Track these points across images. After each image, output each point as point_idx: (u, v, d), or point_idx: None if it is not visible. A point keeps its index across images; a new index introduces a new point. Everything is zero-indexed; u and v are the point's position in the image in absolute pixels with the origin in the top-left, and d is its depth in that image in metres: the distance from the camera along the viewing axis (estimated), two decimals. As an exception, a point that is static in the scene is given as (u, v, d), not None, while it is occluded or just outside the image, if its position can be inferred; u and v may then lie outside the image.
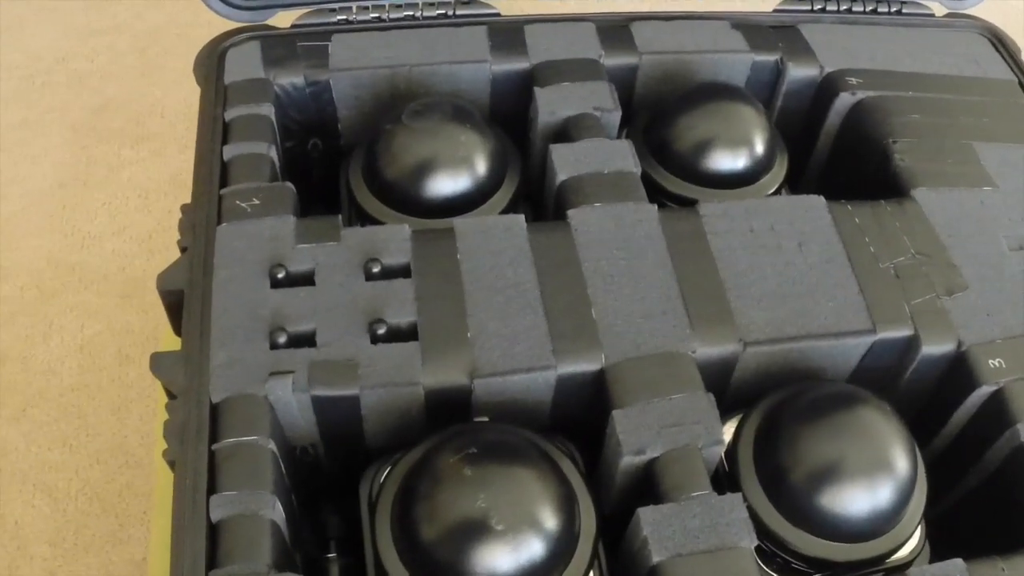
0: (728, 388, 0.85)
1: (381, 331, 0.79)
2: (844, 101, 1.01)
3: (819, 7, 1.07)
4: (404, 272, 0.83)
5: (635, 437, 0.76)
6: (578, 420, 0.83)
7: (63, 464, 1.37)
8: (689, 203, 0.93)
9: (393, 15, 1.02)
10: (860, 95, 1.01)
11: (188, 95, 1.64)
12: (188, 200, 0.89)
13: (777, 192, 0.97)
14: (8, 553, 1.30)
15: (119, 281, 1.52)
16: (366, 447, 0.83)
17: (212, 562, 0.70)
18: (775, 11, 1.07)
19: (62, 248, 1.55)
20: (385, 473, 0.78)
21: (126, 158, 1.64)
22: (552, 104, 0.95)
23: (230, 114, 0.94)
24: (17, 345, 1.45)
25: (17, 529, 1.32)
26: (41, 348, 1.45)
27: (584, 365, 0.80)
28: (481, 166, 0.91)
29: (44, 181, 1.63)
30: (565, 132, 0.94)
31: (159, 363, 0.79)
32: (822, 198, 0.90)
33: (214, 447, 0.75)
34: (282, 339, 0.79)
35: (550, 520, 0.71)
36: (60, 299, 1.50)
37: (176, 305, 0.84)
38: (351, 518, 0.84)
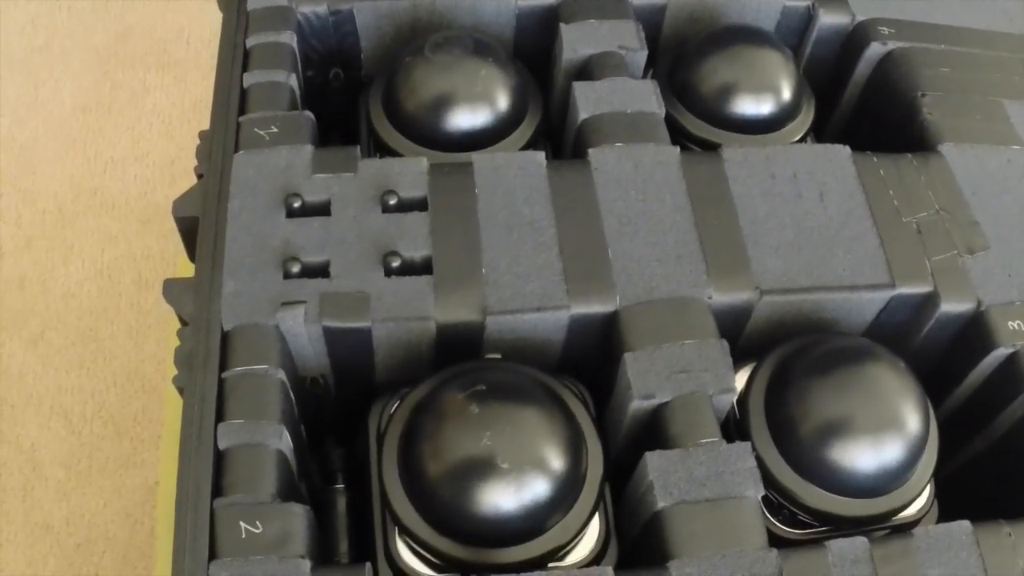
0: (740, 336, 0.83)
1: (395, 264, 0.78)
2: (874, 51, 0.98)
3: (853, -47, 1.04)
4: (420, 205, 0.81)
5: (645, 381, 0.75)
6: (589, 362, 0.82)
7: (79, 388, 1.36)
8: (712, 147, 0.91)
9: (419, -55, 0.99)
10: (890, 45, 0.98)
11: (213, 22, 1.61)
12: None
13: (802, 141, 0.95)
14: (23, 475, 1.31)
15: (140, 207, 1.50)
16: (375, 380, 0.81)
17: (218, 490, 0.69)
18: (808, -45, 1.04)
19: (84, 172, 1.54)
20: (394, 407, 0.77)
21: (150, 84, 1.62)
22: (576, 41, 0.92)
23: (251, 41, 0.92)
24: (37, 268, 1.44)
25: (33, 451, 1.32)
26: (61, 271, 1.44)
27: (597, 306, 0.78)
28: (502, 101, 0.89)
29: (65, 106, 1.61)
30: (588, 70, 0.92)
31: (171, 289, 0.78)
32: (847, 148, 0.88)
33: (223, 375, 0.74)
34: (295, 269, 0.77)
35: (556, 461, 0.70)
36: (81, 223, 1.49)
37: (191, 232, 0.82)
38: (358, 452, 0.83)
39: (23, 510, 1.29)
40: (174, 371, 0.79)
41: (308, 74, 0.96)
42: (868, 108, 1.01)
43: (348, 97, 1.01)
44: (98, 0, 1.68)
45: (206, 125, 1.56)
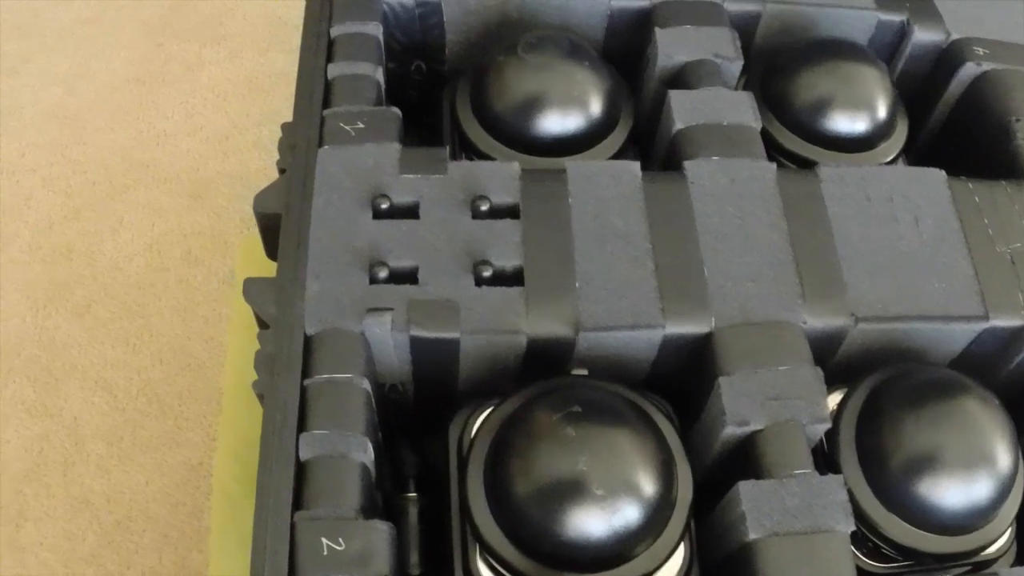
0: (829, 361, 0.79)
1: (486, 273, 0.74)
2: (968, 71, 0.94)
3: (948, -34, 0.99)
4: (512, 212, 0.77)
5: (739, 407, 0.71)
6: (674, 378, 0.78)
7: (124, 363, 1.32)
8: (804, 162, 0.87)
9: (510, -65, 0.95)
10: (985, 67, 0.93)
11: (268, -1, 1.58)
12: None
13: (895, 160, 0.91)
14: (64, 448, 1.27)
15: (191, 181, 1.45)
16: (456, 389, 0.78)
17: (298, 503, 0.66)
18: (902, -33, 0.99)
19: (135, 144, 1.49)
20: (480, 420, 0.73)
21: (205, 58, 1.57)
22: (672, 47, 0.88)
23: (336, 31, 0.87)
24: (85, 239, 1.40)
25: (75, 425, 1.28)
26: (109, 244, 1.40)
27: (692, 327, 0.75)
28: (596, 107, 0.84)
29: (117, 76, 1.56)
30: (682, 78, 0.87)
31: (251, 289, 0.74)
32: (942, 172, 0.84)
33: (306, 382, 0.70)
34: (382, 274, 0.73)
35: (650, 488, 0.67)
36: (131, 195, 1.44)
37: (271, 228, 0.78)
38: (434, 461, 0.80)
39: (63, 484, 1.25)
40: (231, 361, 0.76)
41: (389, 65, 0.91)
42: (958, 129, 0.97)
43: (428, 90, 0.96)
44: (153, -30, 1.63)
45: (261, 102, 1.53)
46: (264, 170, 1.45)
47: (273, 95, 1.51)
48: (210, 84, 1.55)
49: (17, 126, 1.50)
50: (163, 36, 1.61)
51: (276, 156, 0.82)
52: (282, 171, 0.80)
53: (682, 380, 0.78)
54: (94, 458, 1.27)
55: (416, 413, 0.81)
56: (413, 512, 0.79)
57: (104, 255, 1.39)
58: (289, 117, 0.83)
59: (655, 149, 0.89)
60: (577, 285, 0.74)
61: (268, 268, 0.79)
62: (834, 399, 0.78)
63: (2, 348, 1.31)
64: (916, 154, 0.98)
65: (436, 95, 0.95)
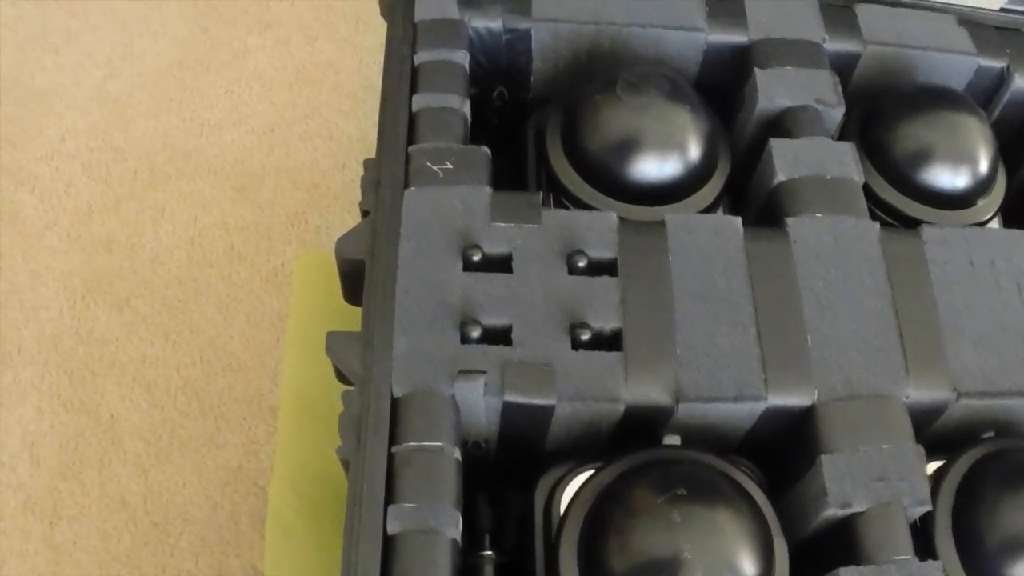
0: (924, 433, 0.74)
1: (584, 337, 0.69)
2: (1066, 121, 0.88)
3: (1046, 10, 0.93)
4: (609, 268, 0.72)
5: (842, 488, 0.67)
6: (767, 445, 0.73)
7: (163, 360, 1.27)
8: (903, 217, 0.82)
9: (601, -39, 0.88)
10: (1086, 118, 0.88)
11: (320, -23, 1.51)
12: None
13: (993, 216, 0.85)
14: (102, 446, 1.22)
15: (235, 174, 1.39)
16: (543, 450, 0.72)
17: (385, 578, 0.61)
18: (1002, 10, 0.93)
19: (178, 133, 1.42)
20: (570, 489, 0.68)
21: (251, 45, 1.49)
22: (772, 90, 0.82)
23: (420, 58, 0.81)
24: (125, 230, 1.34)
25: (112, 422, 1.23)
26: (150, 236, 1.34)
27: (795, 399, 0.70)
28: (697, 154, 0.79)
29: (162, 60, 1.49)
30: (782, 124, 0.82)
31: (335, 345, 0.68)
32: (1044, 233, 0.79)
33: (394, 449, 0.65)
34: (475, 332, 0.68)
35: (751, 571, 0.63)
36: (173, 186, 1.38)
37: (353, 274, 0.72)
38: (514, 522, 0.75)
39: (99, 482, 1.20)
40: (286, 388, 0.70)
41: (472, 91, 0.85)
42: (1054, 181, 0.92)
43: (510, 116, 0.90)
44: (201, -50, 1.55)
45: (308, 93, 1.46)
46: (310, 163, 1.39)
47: (321, 86, 1.44)
48: (256, 73, 1.48)
49: (59, 108, 1.43)
50: (209, 19, 1.54)
51: (323, 150, 0.76)
52: (365, 213, 0.74)
53: (776, 446, 0.73)
54: (131, 457, 1.22)
55: (498, 468, 0.75)
56: (489, 571, 0.74)
57: (145, 247, 1.33)
58: (338, 111, 0.78)
59: (751, 196, 0.83)
60: (678, 351, 0.69)
61: (327, 292, 0.74)
62: (928, 469, 0.73)
63: (39, 339, 1.26)
64: (1008, 204, 0.93)
65: (518, 121, 0.88)
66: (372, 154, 0.78)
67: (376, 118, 0.80)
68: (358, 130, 1.37)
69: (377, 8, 0.89)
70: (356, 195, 0.77)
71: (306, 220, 1.36)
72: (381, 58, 0.84)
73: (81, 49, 1.50)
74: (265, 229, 1.34)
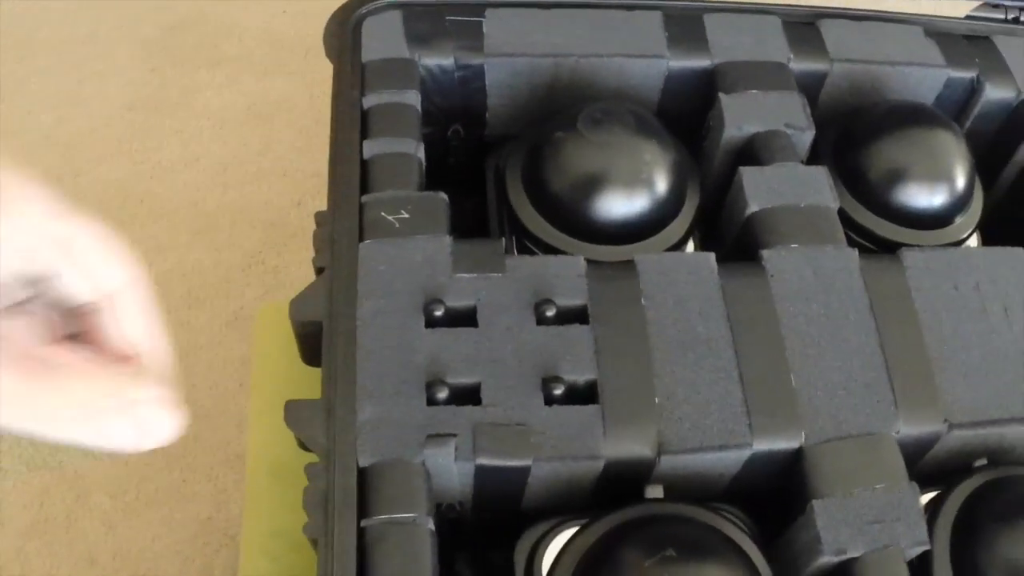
0: (916, 464, 0.70)
1: (557, 392, 0.64)
2: (1043, 130, 0.84)
3: (1012, 16, 0.89)
4: (580, 316, 0.67)
5: (837, 535, 0.62)
6: (754, 491, 0.69)
7: (126, 412, 1.21)
8: (882, 242, 0.78)
9: (555, -11, 0.84)
10: (1061, 124, 0.84)
11: (268, 16, 1.45)
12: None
13: (971, 234, 0.81)
14: (67, 503, 1.17)
15: (190, 216, 1.34)
16: (520, 509, 0.68)
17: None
18: (968, 18, 0.89)
19: (130, 176, 1.37)
20: (552, 549, 0.64)
21: (201, 82, 1.45)
22: (740, 116, 0.78)
23: (369, 101, 0.76)
24: (81, 279, 1.29)
25: (76, 478, 1.18)
26: (106, 284, 1.28)
27: (782, 443, 0.65)
28: (665, 188, 0.74)
29: (111, 103, 1.43)
30: (751, 150, 0.77)
31: (295, 415, 0.63)
32: (1024, 251, 0.75)
33: (364, 523, 0.60)
34: (442, 393, 0.63)
35: None
36: (127, 231, 1.31)
37: (310, 336, 0.67)
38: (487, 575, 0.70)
39: (67, 541, 1.15)
40: (226, 398, 0.66)
41: (426, 131, 0.80)
42: (1029, 192, 0.88)
43: (467, 153, 0.85)
44: (147, -10, 1.50)
45: (262, 129, 1.41)
46: (266, 202, 1.34)
47: (273, 122, 1.39)
48: (207, 111, 1.43)
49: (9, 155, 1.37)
50: (158, 59, 1.49)
51: (278, 187, 0.71)
52: (319, 270, 0.69)
53: (764, 491, 0.68)
54: (98, 513, 1.17)
55: (475, 527, 0.71)
56: (469, 637, 0.69)
57: (101, 296, 1.28)
58: (291, 147, 0.74)
59: (723, 227, 0.79)
60: (658, 401, 0.64)
61: (291, 346, 0.69)
62: (921, 502, 0.69)
63: (-3, 399, 1.20)
64: (985, 222, 0.89)
65: (477, 159, 0.84)
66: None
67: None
68: (313, 165, 1.33)
69: (327, 40, 0.84)
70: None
71: (264, 260, 1.31)
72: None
73: (29, 94, 1.44)
74: (223, 272, 1.29)
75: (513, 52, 0.79)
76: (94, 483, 1.17)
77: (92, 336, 0.43)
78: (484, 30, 0.80)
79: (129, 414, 0.41)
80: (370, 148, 0.74)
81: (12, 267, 0.39)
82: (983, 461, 0.71)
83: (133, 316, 0.44)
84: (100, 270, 0.42)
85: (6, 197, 0.38)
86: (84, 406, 0.40)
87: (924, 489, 0.69)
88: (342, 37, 0.80)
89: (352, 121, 0.75)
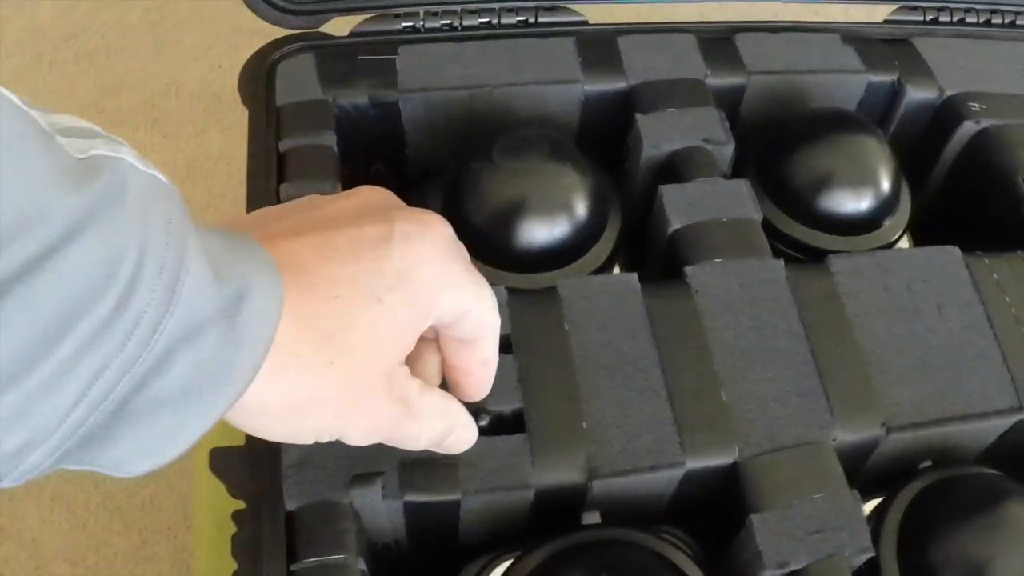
0: (857, 473, 0.69)
1: (483, 423, 0.63)
2: (966, 130, 0.84)
3: (931, 18, 0.90)
4: (504, 346, 0.66)
5: (778, 548, 0.61)
6: (694, 510, 0.68)
7: (81, 476, 1.20)
8: (808, 250, 0.77)
9: (467, 22, 0.83)
10: (984, 123, 0.84)
11: (204, 73, 1.44)
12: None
13: (901, 236, 0.81)
14: (26, 571, 1.15)
15: (137, 277, 1.33)
16: (457, 543, 0.66)
17: None
18: (886, 22, 0.89)
19: (74, 240, 1.36)
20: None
21: (140, 142, 1.44)
22: (657, 136, 0.77)
23: (285, 144, 0.75)
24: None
25: (35, 546, 1.16)
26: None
27: (716, 459, 0.64)
28: (585, 213, 0.73)
29: (53, 166, 1.43)
30: (672, 168, 0.77)
31: (218, 462, 0.62)
32: (957, 251, 0.74)
33: (293, 567, 0.58)
34: (367, 432, 0.62)
35: None
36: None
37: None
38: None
39: (26, 614, 1.13)
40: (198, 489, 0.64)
41: (345, 171, 0.79)
42: (960, 192, 0.88)
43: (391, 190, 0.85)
44: (81, 52, 1.48)
45: (202, 187, 1.40)
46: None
47: (214, 178, 1.38)
48: (148, 170, 1.42)
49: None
50: (95, 120, 1.45)
51: None
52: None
53: (705, 510, 0.67)
54: (58, 582, 1.15)
55: (413, 565, 0.69)
56: None
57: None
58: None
59: (648, 247, 0.78)
60: (585, 425, 0.63)
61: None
62: (866, 509, 0.68)
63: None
64: (916, 224, 0.88)
65: (400, 197, 0.83)
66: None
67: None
68: (257, 217, 1.32)
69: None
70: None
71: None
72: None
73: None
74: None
75: (426, 87, 0.79)
76: (52, 550, 1.16)
77: (444, 345, 0.55)
78: (397, 67, 0.80)
79: (454, 435, 0.56)
80: (287, 192, 0.73)
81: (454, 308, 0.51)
82: (927, 463, 0.70)
83: (488, 353, 0.56)
84: (488, 316, 0.53)
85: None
86: (430, 442, 0.55)
87: (871, 495, 0.69)
88: (256, 83, 0.79)
89: (269, 166, 0.74)
